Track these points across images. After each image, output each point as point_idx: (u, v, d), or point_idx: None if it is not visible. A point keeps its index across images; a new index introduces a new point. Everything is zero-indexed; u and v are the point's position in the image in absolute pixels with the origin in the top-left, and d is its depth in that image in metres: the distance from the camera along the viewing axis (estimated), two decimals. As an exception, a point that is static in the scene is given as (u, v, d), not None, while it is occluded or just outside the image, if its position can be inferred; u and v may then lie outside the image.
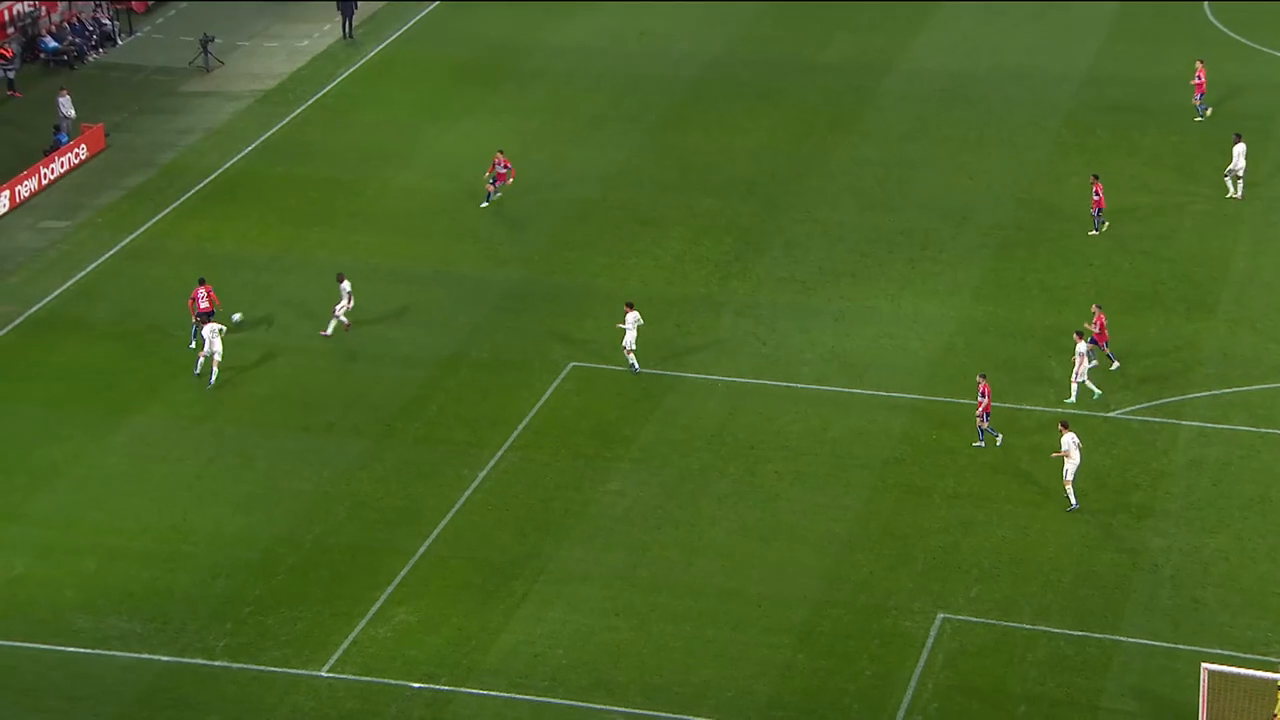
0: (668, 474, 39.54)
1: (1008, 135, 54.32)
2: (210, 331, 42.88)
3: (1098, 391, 40.75)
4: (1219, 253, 47.28)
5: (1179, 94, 55.73)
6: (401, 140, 56.01)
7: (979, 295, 46.04)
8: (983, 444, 39.57)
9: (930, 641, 34.17)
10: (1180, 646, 33.50)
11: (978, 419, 39.43)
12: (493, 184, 51.10)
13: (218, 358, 42.84)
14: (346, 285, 44.82)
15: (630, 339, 42.77)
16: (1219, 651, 32.88)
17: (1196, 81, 53.99)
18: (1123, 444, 39.57)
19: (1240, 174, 49.07)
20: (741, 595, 35.72)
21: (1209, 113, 54.02)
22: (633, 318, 42.91)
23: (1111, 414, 40.55)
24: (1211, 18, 61.49)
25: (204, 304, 44.51)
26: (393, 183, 53.63)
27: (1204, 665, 29.97)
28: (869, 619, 34.92)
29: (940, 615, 34.82)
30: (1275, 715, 30.58)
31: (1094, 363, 41.15)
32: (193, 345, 44.22)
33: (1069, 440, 37.47)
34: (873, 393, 42.04)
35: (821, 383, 42.62)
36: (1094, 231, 47.71)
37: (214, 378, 42.82)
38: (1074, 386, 40.69)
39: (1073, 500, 37.55)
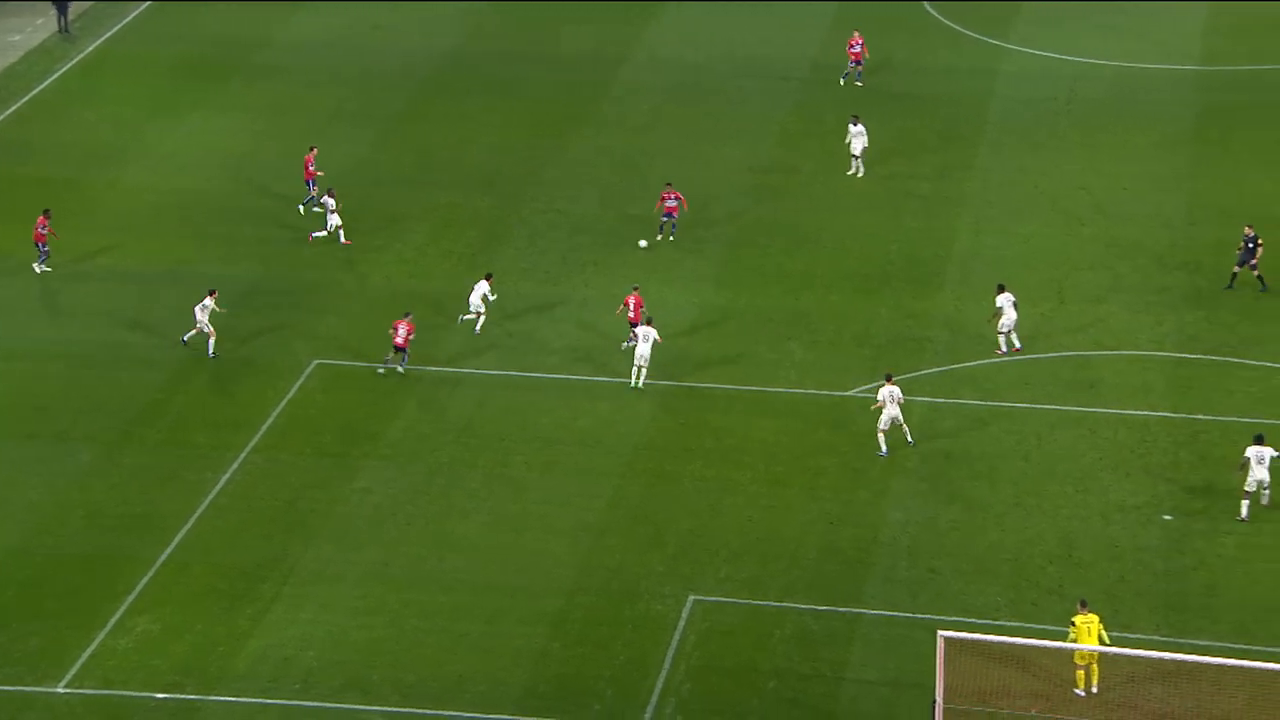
0: (417, 469, 39.25)
1: (741, 125, 55.40)
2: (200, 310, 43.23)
3: (634, 382, 41.77)
4: (943, 232, 49.09)
5: (904, 80, 57.64)
6: (125, 138, 54.33)
7: (720, 282, 46.88)
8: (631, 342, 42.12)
9: (682, 623, 34.65)
10: (918, 616, 34.66)
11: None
12: (314, 187, 49.86)
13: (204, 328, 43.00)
14: (330, 202, 47.65)
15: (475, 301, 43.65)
16: (954, 619, 34.09)
17: (854, 50, 56.20)
18: (860, 421, 40.76)
19: (857, 153, 50.87)
20: (495, 587, 35.69)
21: (856, 83, 56.25)
22: (481, 286, 44.04)
23: (849, 392, 41.77)
24: (928, 8, 63.76)
25: (40, 230, 45.62)
26: (119, 181, 51.95)
27: (940, 633, 31.05)
28: (622, 604, 35.24)
29: (691, 597, 35.34)
30: (1078, 664, 31.77)
31: (631, 343, 42.35)
32: (37, 269, 46.19)
33: (885, 392, 38.85)
34: (619, 380, 42.41)
35: (568, 372, 42.84)
36: (667, 238, 47.74)
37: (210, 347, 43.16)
38: (636, 372, 41.76)
39: (882, 447, 38.92)
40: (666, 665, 33.59)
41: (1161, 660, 31.03)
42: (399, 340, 41.89)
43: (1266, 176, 51.15)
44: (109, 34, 61.38)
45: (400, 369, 42.16)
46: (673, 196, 47.80)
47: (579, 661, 33.78)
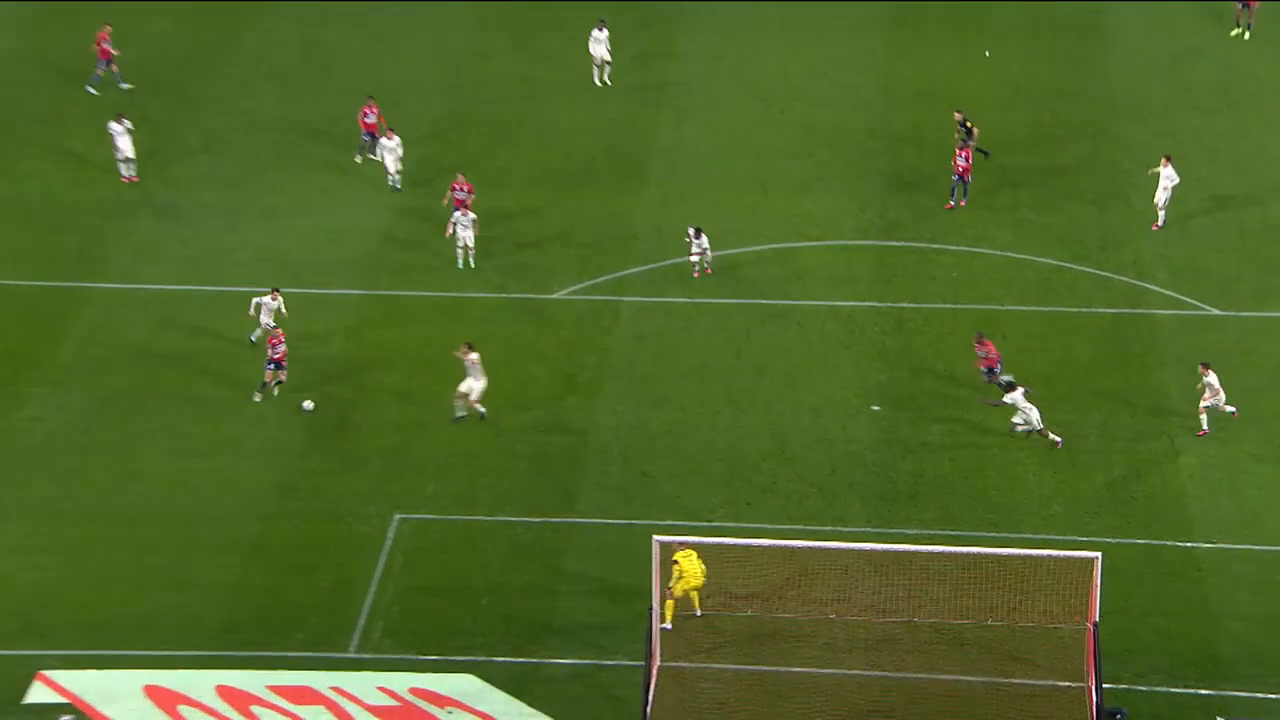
0: (92, 395, 36.82)
1: (429, 16, 53.16)
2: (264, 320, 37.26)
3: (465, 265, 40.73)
4: (645, 125, 48.00)
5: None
6: None
7: (413, 180, 44.90)
8: None
9: (388, 544, 33.32)
10: (633, 522, 33.93)
11: None
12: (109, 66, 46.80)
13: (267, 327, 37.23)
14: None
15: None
16: (669, 523, 33.50)
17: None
18: (568, 325, 39.62)
19: (601, 60, 48.85)
20: (185, 517, 33.77)
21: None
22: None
23: (554, 295, 40.56)
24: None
25: None
26: None
27: (655, 537, 30.49)
28: (323, 527, 33.68)
29: (397, 516, 33.95)
30: (673, 595, 31.06)
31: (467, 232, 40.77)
32: None
33: None
34: (313, 291, 40.31)
35: (257, 284, 40.35)
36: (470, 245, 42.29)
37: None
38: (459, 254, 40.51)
39: None
40: (373, 588, 32.22)
41: (872, 551, 30.96)
42: (277, 355, 36.41)
43: (959, 57, 51.57)
44: None
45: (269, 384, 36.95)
46: (463, 188, 42.25)
47: (279, 590, 32.16)
